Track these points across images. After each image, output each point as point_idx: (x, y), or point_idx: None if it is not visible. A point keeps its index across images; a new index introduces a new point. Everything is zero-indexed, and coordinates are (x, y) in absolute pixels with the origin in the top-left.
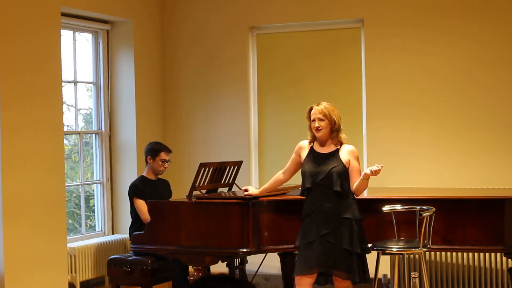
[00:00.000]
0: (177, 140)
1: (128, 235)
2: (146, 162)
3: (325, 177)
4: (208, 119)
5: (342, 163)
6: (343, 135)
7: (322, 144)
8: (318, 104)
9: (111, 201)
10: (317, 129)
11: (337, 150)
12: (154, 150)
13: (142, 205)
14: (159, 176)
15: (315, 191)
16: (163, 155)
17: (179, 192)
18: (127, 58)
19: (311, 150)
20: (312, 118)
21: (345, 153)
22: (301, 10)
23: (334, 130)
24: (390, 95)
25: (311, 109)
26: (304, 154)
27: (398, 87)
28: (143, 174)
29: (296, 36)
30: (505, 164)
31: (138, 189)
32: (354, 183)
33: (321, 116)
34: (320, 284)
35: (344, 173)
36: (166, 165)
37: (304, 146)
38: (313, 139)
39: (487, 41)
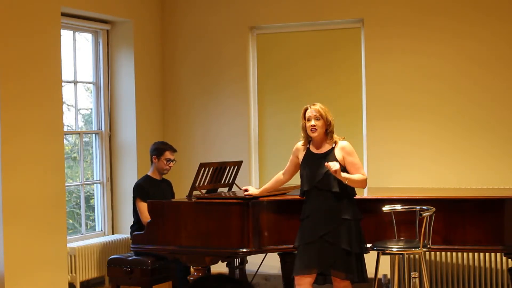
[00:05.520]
0: (177, 140)
1: (129, 235)
2: (151, 161)
3: (322, 179)
4: (208, 119)
5: (338, 162)
6: (335, 136)
7: (318, 145)
8: (313, 105)
9: (111, 201)
10: (313, 127)
11: (332, 149)
12: (159, 150)
13: (143, 207)
14: (163, 177)
15: (313, 193)
16: (168, 155)
17: (179, 192)
18: (127, 58)
19: (308, 152)
20: (307, 117)
21: (339, 150)
22: (301, 10)
23: (329, 131)
24: (390, 95)
25: (306, 109)
26: (301, 155)
27: (398, 87)
28: (148, 174)
29: (296, 36)
30: (505, 164)
31: (142, 189)
32: None
33: (317, 115)
34: (319, 284)
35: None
36: (171, 164)
37: (300, 147)
38: (307, 139)
39: (487, 41)
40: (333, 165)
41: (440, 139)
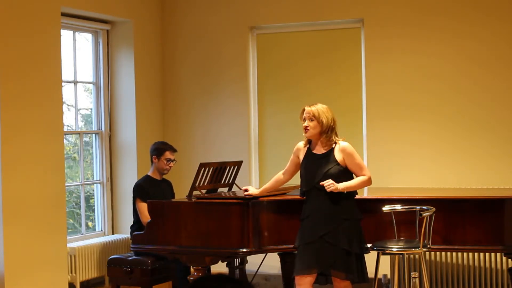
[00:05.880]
0: (177, 140)
1: (129, 235)
2: (152, 161)
3: (321, 179)
4: (208, 119)
5: (338, 163)
6: (334, 137)
7: (317, 145)
8: (311, 105)
9: (111, 201)
10: (305, 128)
11: (332, 150)
12: (159, 150)
13: (143, 208)
14: (163, 177)
15: (313, 193)
16: (168, 154)
17: (179, 192)
18: (127, 58)
19: (308, 152)
20: (303, 117)
21: (339, 152)
22: (301, 10)
23: (323, 132)
24: (390, 95)
25: (304, 109)
26: (301, 155)
27: (398, 87)
28: (148, 174)
29: (296, 36)
30: (505, 164)
31: (142, 189)
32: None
33: (310, 116)
34: (321, 284)
35: (340, 173)
36: (171, 164)
37: (301, 147)
38: (308, 140)
39: (487, 41)
40: (328, 186)
41: (440, 139)
